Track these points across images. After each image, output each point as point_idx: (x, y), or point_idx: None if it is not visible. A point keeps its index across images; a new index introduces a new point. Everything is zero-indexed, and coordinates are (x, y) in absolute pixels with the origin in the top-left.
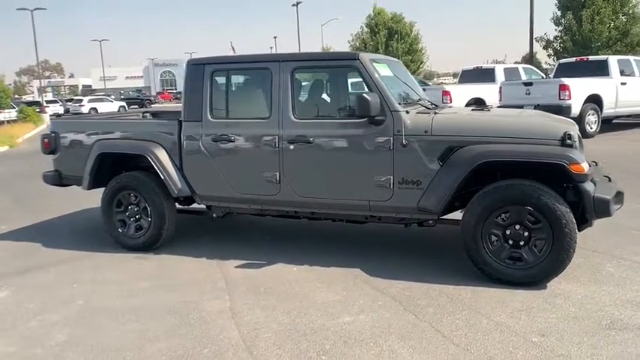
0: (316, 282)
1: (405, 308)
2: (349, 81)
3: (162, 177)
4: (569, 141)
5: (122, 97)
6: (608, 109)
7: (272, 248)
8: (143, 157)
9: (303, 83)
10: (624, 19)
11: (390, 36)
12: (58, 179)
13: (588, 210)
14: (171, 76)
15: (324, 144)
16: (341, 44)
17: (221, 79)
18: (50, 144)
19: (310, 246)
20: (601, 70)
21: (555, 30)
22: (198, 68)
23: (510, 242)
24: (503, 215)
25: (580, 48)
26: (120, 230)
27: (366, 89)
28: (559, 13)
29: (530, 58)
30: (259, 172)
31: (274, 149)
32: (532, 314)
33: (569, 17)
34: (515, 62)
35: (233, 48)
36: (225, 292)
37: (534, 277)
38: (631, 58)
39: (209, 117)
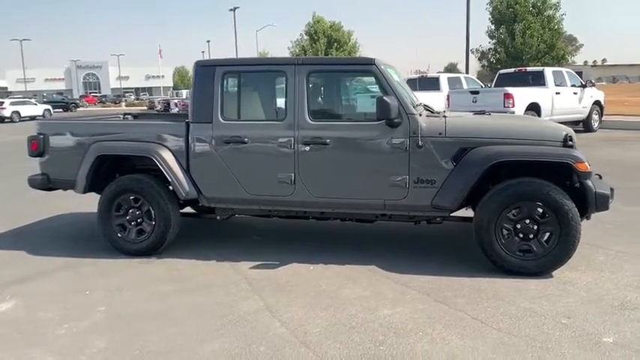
0: (338, 279)
1: (435, 300)
2: (350, 85)
3: (170, 179)
4: (570, 142)
5: (45, 100)
6: (545, 117)
7: (277, 249)
8: (144, 159)
9: (319, 86)
10: (550, 34)
11: (329, 44)
12: (47, 183)
13: (590, 204)
14: (94, 78)
15: (340, 145)
16: (278, 50)
17: (233, 81)
18: (38, 146)
19: (317, 245)
20: (538, 80)
21: (489, 42)
22: (208, 70)
23: (521, 235)
24: (514, 210)
25: (512, 60)
26: (119, 235)
27: (381, 93)
28: (493, 27)
29: (466, 70)
30: (273, 173)
31: (289, 150)
32: (551, 300)
33: (503, 31)
34: (438, 72)
35: (160, 52)
36: (252, 293)
37: (543, 267)
38: (563, 69)
39: (220, 118)
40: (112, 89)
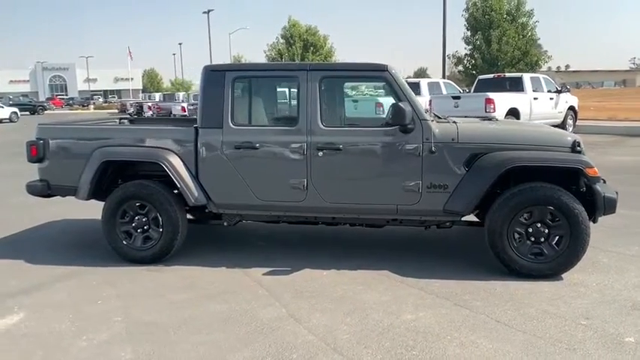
0: (354, 284)
1: (455, 304)
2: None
3: (179, 185)
4: (578, 148)
5: (11, 102)
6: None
7: (283, 254)
8: (150, 165)
9: (331, 92)
10: (524, 41)
11: (305, 48)
12: (46, 190)
13: (599, 208)
14: (61, 81)
15: (353, 151)
16: (253, 54)
17: (243, 86)
18: (38, 151)
19: (323, 250)
20: (516, 86)
21: (465, 48)
22: (217, 75)
23: (532, 239)
24: (525, 215)
25: (488, 65)
26: (125, 242)
27: (394, 99)
28: (469, 34)
29: (442, 75)
30: (285, 179)
31: (301, 156)
32: (566, 301)
33: (479, 37)
34: (407, 77)
35: (130, 53)
36: (272, 299)
37: (554, 270)
38: (540, 75)
39: (230, 124)
40: (79, 92)
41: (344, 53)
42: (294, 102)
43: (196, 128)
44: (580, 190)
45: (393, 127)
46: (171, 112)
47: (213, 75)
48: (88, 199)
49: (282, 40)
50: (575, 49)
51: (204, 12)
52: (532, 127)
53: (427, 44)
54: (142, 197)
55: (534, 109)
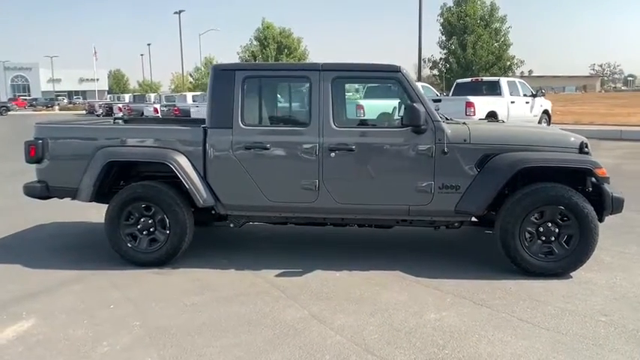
0: (369, 285)
1: (474, 302)
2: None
3: (187, 186)
4: (586, 149)
5: None
6: None
7: (289, 255)
8: (155, 166)
9: (343, 92)
10: (497, 46)
11: (279, 50)
12: (45, 191)
13: (607, 207)
14: (24, 81)
15: (366, 151)
16: (224, 56)
17: (254, 86)
18: (37, 151)
19: (328, 251)
20: (493, 89)
21: (440, 53)
22: (227, 74)
23: (543, 238)
24: (536, 214)
25: (463, 70)
26: (129, 245)
27: (408, 101)
28: (444, 38)
29: (418, 79)
30: (296, 180)
31: (314, 157)
32: (581, 299)
33: (454, 42)
34: None
35: (95, 53)
36: (290, 301)
37: (564, 268)
38: (516, 80)
39: (240, 124)
40: (42, 92)
41: (317, 56)
42: (306, 102)
43: (205, 128)
44: (586, 189)
45: (406, 128)
46: (142, 114)
47: (223, 74)
48: (90, 200)
49: (255, 42)
50: (538, 56)
51: (176, 12)
52: (540, 129)
53: (401, 48)
54: (149, 198)
55: (511, 113)
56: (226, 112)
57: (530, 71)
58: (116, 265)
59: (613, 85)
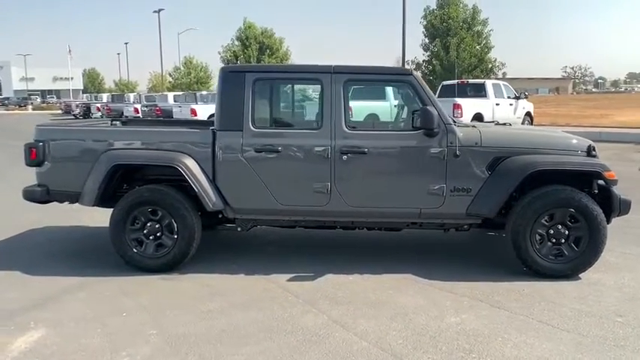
0: (384, 289)
1: (491, 305)
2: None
3: (196, 190)
4: (593, 152)
5: None
6: None
7: (298, 259)
8: (162, 169)
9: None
10: (479, 48)
11: (261, 50)
12: (46, 195)
13: (615, 209)
14: None
15: (378, 154)
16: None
17: (264, 88)
18: (37, 154)
19: (339, 255)
20: (479, 92)
21: (423, 55)
22: (236, 76)
23: (553, 240)
24: (546, 216)
25: (446, 72)
26: (135, 250)
27: (419, 104)
28: (427, 41)
29: None
30: (308, 183)
31: (326, 160)
32: (594, 300)
33: (437, 44)
34: None
35: (70, 52)
36: (308, 306)
37: (574, 270)
38: (500, 82)
39: (251, 126)
40: (14, 91)
41: (299, 56)
42: (317, 105)
43: (213, 131)
44: (592, 192)
45: (419, 131)
46: (122, 114)
47: (232, 76)
48: (94, 205)
49: (237, 42)
50: (510, 58)
51: (155, 11)
52: (548, 132)
53: (385, 50)
54: (156, 202)
55: (496, 114)
56: (236, 114)
57: (504, 74)
58: (120, 271)
59: (584, 87)
